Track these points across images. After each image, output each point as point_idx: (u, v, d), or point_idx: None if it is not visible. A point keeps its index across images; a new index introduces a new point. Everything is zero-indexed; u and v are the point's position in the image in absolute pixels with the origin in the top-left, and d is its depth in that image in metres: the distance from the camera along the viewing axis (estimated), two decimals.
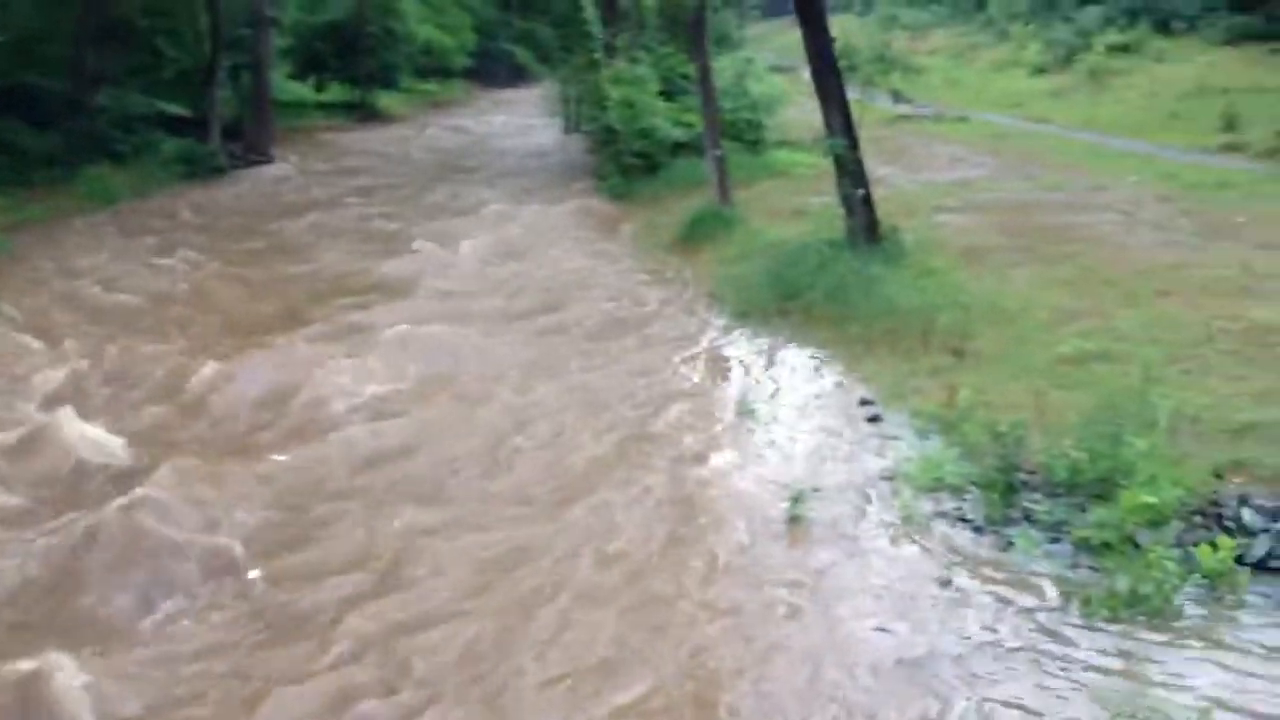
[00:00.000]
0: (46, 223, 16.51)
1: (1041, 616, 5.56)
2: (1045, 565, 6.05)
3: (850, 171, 12.13)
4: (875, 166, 13.51)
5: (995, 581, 5.93)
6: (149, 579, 6.05)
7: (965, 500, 6.85)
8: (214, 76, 22.72)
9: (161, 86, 22.97)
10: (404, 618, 5.75)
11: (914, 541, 6.44)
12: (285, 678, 5.24)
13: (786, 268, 11.82)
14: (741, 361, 10.06)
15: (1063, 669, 5.11)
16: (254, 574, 6.19)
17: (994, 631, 5.44)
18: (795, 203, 15.69)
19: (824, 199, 13.94)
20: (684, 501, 7.09)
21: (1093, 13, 29.04)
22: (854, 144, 12.19)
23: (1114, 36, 27.34)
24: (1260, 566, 5.82)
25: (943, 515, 6.72)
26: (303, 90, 33.35)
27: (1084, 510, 6.38)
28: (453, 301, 12.38)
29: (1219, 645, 5.26)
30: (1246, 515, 6.13)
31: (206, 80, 22.71)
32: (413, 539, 6.63)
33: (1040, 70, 28.89)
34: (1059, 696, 4.91)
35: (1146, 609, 5.47)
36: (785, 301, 11.25)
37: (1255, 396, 7.42)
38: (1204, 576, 5.67)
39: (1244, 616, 5.50)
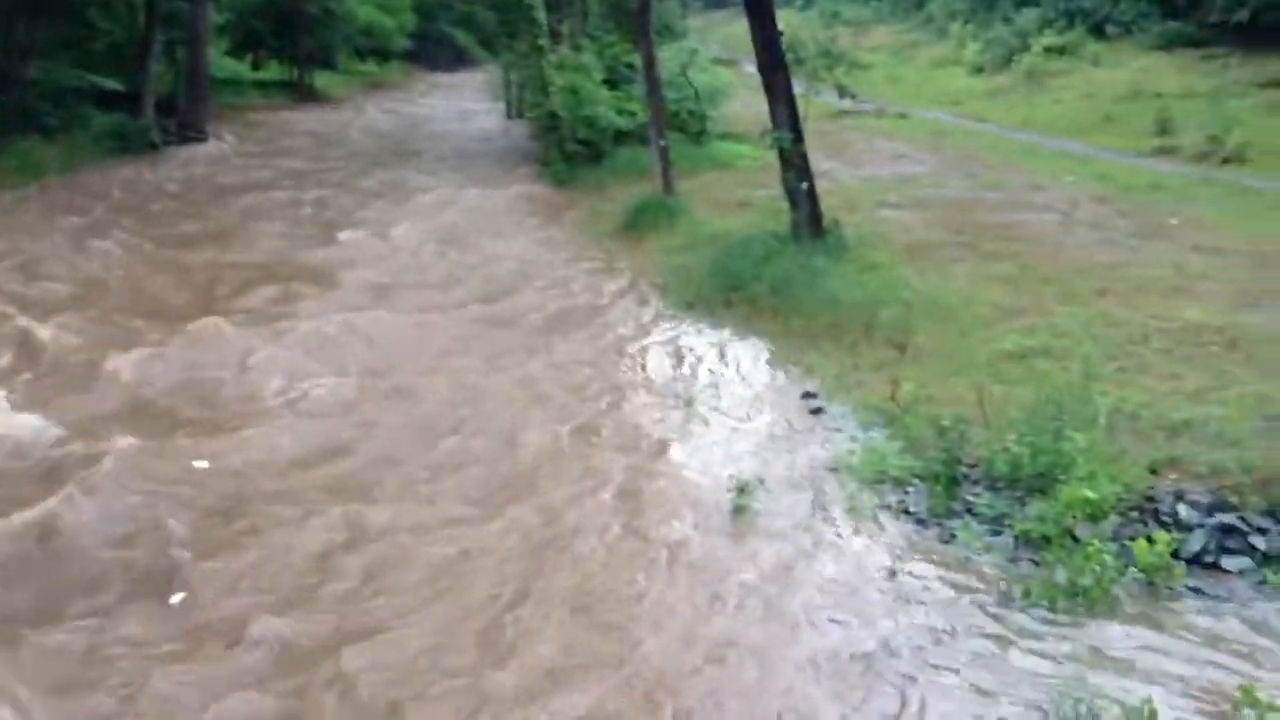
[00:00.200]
0: None
1: (986, 607, 5.64)
2: (987, 558, 6.16)
3: (795, 165, 12.16)
4: (818, 161, 13.55)
5: (940, 573, 6.00)
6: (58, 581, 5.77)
7: (908, 493, 6.93)
8: (149, 50, 22.03)
9: (94, 60, 22.23)
10: (340, 630, 5.44)
11: (859, 533, 6.49)
12: (206, 694, 4.90)
13: (731, 259, 11.83)
14: (688, 353, 10.03)
15: (1008, 656, 5.21)
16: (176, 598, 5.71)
17: (941, 621, 5.51)
18: (739, 195, 15.74)
19: (768, 192, 14.00)
20: (631, 495, 7.03)
21: (1030, 15, 29.51)
22: (799, 137, 12.22)
23: (1051, 39, 27.80)
24: (1195, 561, 5.96)
25: (887, 508, 6.79)
26: (240, 68, 32.60)
27: (1024, 504, 6.51)
28: (392, 292, 12.12)
29: (1157, 632, 5.39)
30: (1183, 511, 6.27)
31: (141, 54, 22.01)
32: (351, 543, 6.29)
33: (979, 69, 29.32)
34: (1005, 681, 5.01)
35: (1085, 600, 5.58)
36: (730, 293, 11.27)
37: (1190, 395, 7.59)
38: (1141, 570, 5.80)
39: (1179, 607, 5.64)
